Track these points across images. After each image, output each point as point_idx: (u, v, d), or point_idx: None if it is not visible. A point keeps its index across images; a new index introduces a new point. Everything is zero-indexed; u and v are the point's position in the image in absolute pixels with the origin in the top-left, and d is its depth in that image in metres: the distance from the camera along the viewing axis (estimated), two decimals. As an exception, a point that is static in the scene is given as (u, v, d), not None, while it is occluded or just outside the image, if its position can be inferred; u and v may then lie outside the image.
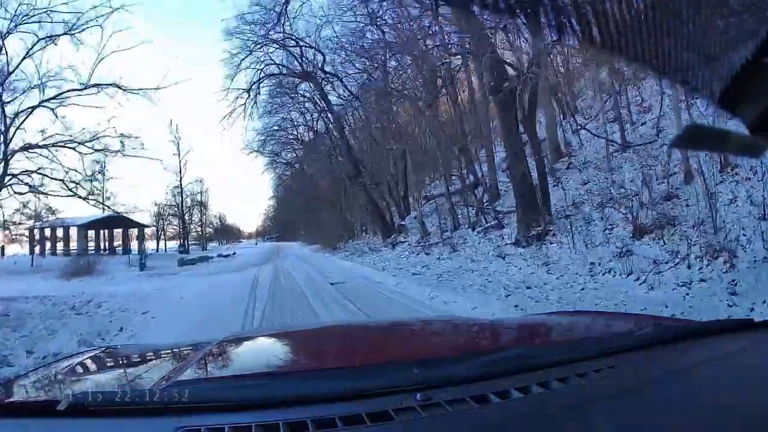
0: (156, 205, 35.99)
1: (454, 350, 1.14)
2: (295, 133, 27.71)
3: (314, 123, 24.77)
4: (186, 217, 39.59)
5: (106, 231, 30.67)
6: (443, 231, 13.12)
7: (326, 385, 0.72)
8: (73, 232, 27.82)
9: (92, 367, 1.08)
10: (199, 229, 44.03)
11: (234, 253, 30.94)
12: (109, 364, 1.15)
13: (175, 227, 39.97)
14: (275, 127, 25.46)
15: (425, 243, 13.20)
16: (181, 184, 35.91)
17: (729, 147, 0.48)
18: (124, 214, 27.00)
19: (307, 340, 1.43)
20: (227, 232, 67.65)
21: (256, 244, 68.27)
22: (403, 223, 17.76)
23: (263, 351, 1.26)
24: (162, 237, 37.79)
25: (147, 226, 31.49)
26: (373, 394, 0.67)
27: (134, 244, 30.57)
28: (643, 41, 0.43)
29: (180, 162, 34.35)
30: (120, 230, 30.85)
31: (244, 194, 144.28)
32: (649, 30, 0.42)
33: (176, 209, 36.82)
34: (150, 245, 39.15)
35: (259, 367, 1.02)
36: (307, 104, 23.30)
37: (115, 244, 31.28)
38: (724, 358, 0.84)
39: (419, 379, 0.70)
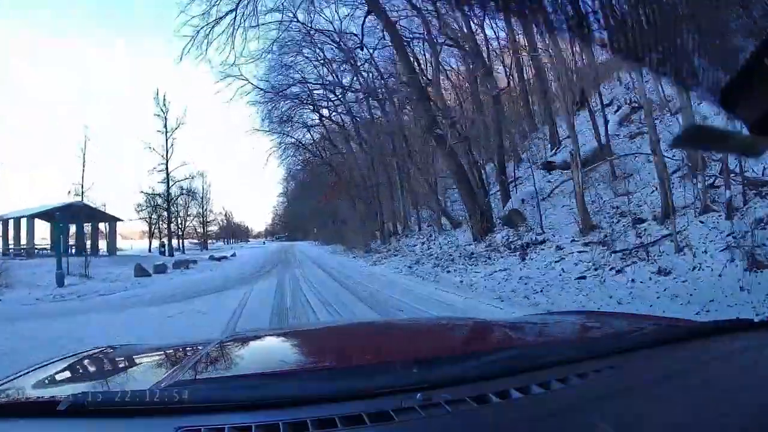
0: (143, 193, 29.09)
1: (454, 350, 1.14)
2: (311, 103, 21.88)
3: (341, 73, 18.55)
4: (180, 211, 32.85)
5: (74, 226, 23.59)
6: (637, 221, 6.99)
7: (326, 385, 0.72)
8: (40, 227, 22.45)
9: (92, 367, 1.09)
10: (197, 225, 38.84)
11: (233, 255, 26.01)
12: (109, 364, 1.15)
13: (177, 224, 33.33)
14: (287, 88, 19.81)
15: (613, 246, 6.63)
16: (167, 168, 27.54)
17: (729, 147, 0.48)
18: (92, 205, 21.98)
19: (307, 340, 1.43)
20: (234, 231, 65.33)
21: (264, 243, 66.11)
22: (518, 209, 10.28)
23: (263, 351, 1.26)
24: (156, 235, 31.37)
25: (119, 219, 25.72)
26: (373, 394, 0.67)
27: (112, 242, 25.24)
28: (644, 41, 0.43)
29: (167, 140, 26.85)
30: (91, 226, 24.46)
31: (253, 192, 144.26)
32: (651, 30, 0.43)
33: (159, 199, 29.08)
34: (138, 245, 34.18)
35: (259, 367, 1.02)
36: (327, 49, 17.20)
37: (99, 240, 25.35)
38: (724, 358, 0.84)
39: (419, 379, 0.70)
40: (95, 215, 22.91)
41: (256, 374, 0.89)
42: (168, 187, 28.30)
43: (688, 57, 0.43)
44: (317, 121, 24.27)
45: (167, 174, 27.81)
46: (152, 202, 29.57)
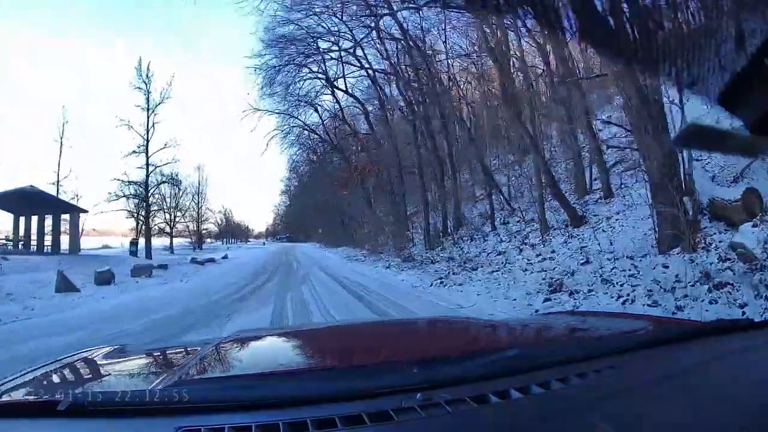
0: (118, 180, 22.18)
1: (454, 350, 1.14)
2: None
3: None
4: (166, 202, 28.15)
5: (33, 218, 20.25)
6: None
7: (326, 385, 0.72)
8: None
9: (92, 367, 1.08)
10: (190, 222, 34.24)
11: (224, 257, 22.24)
12: (109, 364, 1.15)
13: (178, 222, 29.81)
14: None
15: None
16: (147, 150, 21.50)
17: (729, 146, 0.48)
18: (49, 192, 18.15)
19: (307, 340, 1.43)
20: (233, 231, 62.92)
21: (264, 244, 64.53)
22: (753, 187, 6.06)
23: (263, 351, 1.27)
24: (144, 231, 25.30)
25: (83, 210, 21.14)
26: (373, 394, 0.67)
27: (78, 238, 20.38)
28: (644, 42, 0.43)
29: (148, 117, 21.16)
30: (53, 218, 20.04)
31: (255, 192, 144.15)
32: (650, 31, 0.43)
33: (136, 187, 22.55)
34: (117, 242, 29.81)
35: (259, 367, 1.02)
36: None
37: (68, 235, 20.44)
38: (724, 358, 0.84)
39: (419, 379, 0.70)
40: (54, 204, 19.03)
41: (256, 374, 0.89)
42: (147, 174, 22.08)
43: (688, 57, 0.43)
44: (328, 93, 20.03)
45: (147, 157, 21.73)
46: (126, 191, 23.05)
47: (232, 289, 8.98)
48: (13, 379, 0.89)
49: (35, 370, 0.98)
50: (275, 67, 17.58)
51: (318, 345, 1.35)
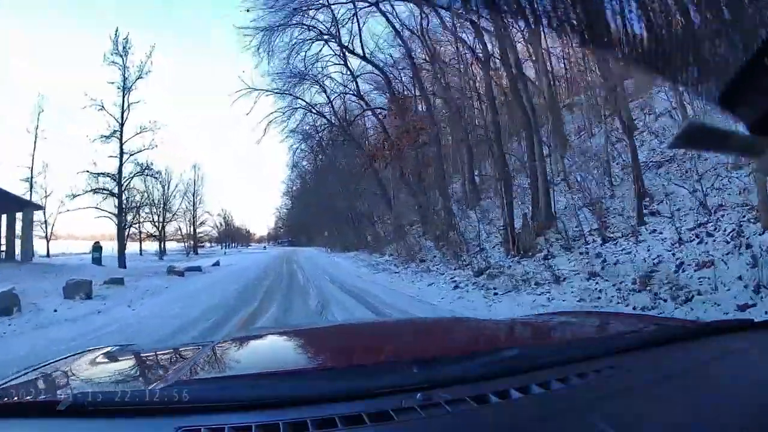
0: (88, 173, 17.86)
1: (454, 350, 1.14)
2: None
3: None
4: (145, 196, 24.59)
5: None
6: None
7: (326, 385, 0.72)
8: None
9: (92, 367, 1.08)
10: (184, 224, 32.08)
11: (215, 264, 18.79)
12: (109, 364, 1.14)
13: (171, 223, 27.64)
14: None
15: None
16: (121, 136, 17.37)
17: (729, 147, 0.48)
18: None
19: (307, 340, 1.43)
20: (233, 235, 61.32)
21: (264, 248, 62.28)
22: None
23: (263, 351, 1.26)
24: (137, 235, 23.63)
25: (38, 207, 18.10)
26: (373, 394, 0.67)
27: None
28: (644, 42, 0.43)
29: (124, 97, 17.20)
30: (7, 217, 16.24)
31: (256, 195, 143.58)
32: (650, 31, 0.43)
33: (107, 179, 17.96)
34: (133, 247, 23.87)
35: (259, 367, 1.02)
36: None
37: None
38: (724, 358, 0.85)
39: (419, 379, 0.70)
40: (15, 202, 15.63)
41: (256, 374, 0.89)
42: (121, 162, 17.58)
43: (689, 57, 0.44)
44: (338, 63, 16.82)
45: (120, 143, 17.45)
46: (94, 185, 18.39)
47: (196, 333, 4.91)
48: (13, 379, 0.89)
49: (35, 370, 0.98)
50: (274, 26, 14.96)
51: (318, 345, 1.35)
